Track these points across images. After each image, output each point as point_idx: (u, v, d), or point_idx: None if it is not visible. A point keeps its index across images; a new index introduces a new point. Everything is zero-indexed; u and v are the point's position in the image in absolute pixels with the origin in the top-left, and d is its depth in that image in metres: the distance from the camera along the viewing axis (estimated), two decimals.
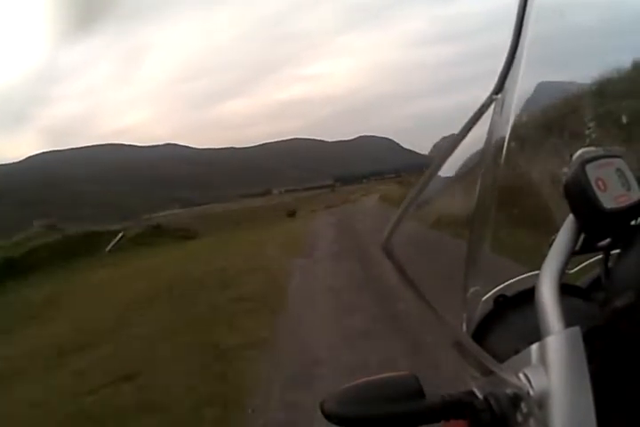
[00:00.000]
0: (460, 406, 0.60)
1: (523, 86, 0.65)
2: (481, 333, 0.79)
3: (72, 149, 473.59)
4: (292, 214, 53.44)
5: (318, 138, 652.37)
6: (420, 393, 0.61)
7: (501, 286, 0.83)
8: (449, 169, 0.66)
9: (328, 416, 0.61)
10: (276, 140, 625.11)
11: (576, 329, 0.55)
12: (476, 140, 0.66)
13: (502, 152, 0.67)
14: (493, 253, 0.77)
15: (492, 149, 0.67)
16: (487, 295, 0.82)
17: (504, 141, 0.67)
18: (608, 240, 0.69)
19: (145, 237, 32.08)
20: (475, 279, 0.75)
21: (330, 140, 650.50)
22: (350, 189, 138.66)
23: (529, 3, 0.63)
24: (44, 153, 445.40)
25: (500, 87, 0.65)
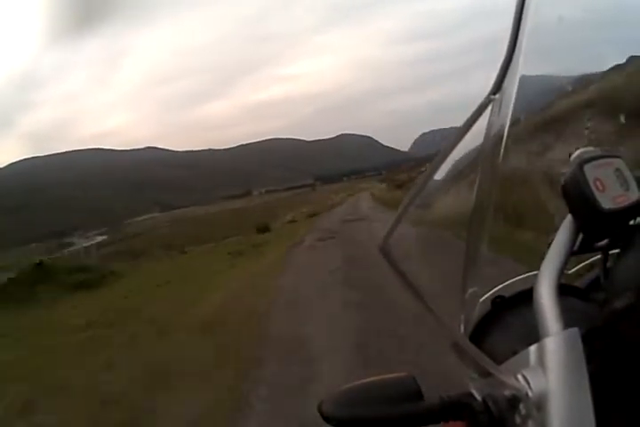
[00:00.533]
0: (459, 407, 0.60)
1: (521, 86, 0.64)
2: (479, 334, 0.79)
3: (54, 154, 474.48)
4: (263, 230, 33.22)
5: (298, 137, 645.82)
6: (418, 395, 0.62)
7: (499, 286, 0.83)
8: (447, 169, 0.66)
9: (326, 418, 0.61)
10: (255, 140, 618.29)
11: (575, 330, 0.55)
12: (473, 140, 0.66)
13: (500, 152, 0.66)
14: (492, 253, 0.76)
15: (489, 150, 0.66)
16: (485, 296, 0.82)
17: (502, 142, 0.66)
18: (606, 240, 0.69)
19: (19, 285, 17.77)
20: (472, 280, 0.74)
21: (309, 139, 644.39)
22: (332, 189, 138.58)
23: (526, 2, 0.62)
24: (26, 159, 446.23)
25: (497, 87, 0.65)
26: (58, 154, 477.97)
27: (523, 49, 0.62)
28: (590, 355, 0.53)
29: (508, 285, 0.83)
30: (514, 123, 0.66)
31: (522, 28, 0.62)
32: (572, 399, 0.51)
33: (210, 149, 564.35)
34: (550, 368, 0.53)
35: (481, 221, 0.69)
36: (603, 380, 0.54)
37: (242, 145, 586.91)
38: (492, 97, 0.65)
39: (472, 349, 0.63)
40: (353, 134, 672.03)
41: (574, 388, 0.51)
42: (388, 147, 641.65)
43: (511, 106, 0.64)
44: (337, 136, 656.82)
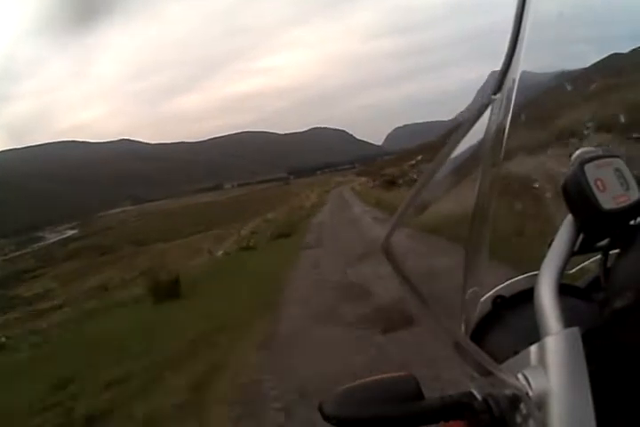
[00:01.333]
0: (459, 407, 0.59)
1: (522, 86, 0.64)
2: (480, 334, 0.79)
3: (29, 146, 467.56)
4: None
5: (271, 131, 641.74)
6: (418, 394, 0.61)
7: (500, 286, 0.83)
8: (448, 169, 0.66)
9: (327, 418, 0.61)
10: (228, 133, 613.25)
11: (575, 330, 0.55)
12: (475, 139, 0.66)
13: (501, 152, 0.66)
14: (492, 253, 0.75)
15: (490, 150, 0.66)
16: (486, 296, 0.82)
17: (502, 141, 0.65)
18: (607, 240, 0.69)
19: None
20: (473, 280, 0.73)
21: (283, 132, 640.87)
22: (306, 182, 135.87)
23: (527, 1, 0.62)
24: (3, 151, 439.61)
25: (498, 87, 0.64)
26: (34, 146, 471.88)
27: (523, 48, 0.62)
28: (590, 354, 0.54)
29: (508, 284, 0.83)
30: (514, 122, 0.66)
31: (522, 28, 0.62)
32: (573, 399, 0.51)
33: (183, 142, 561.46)
34: (551, 368, 0.53)
35: (482, 221, 0.69)
36: (603, 379, 0.55)
37: (215, 138, 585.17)
38: (493, 97, 0.65)
39: (473, 348, 0.62)
40: (326, 128, 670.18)
41: (575, 387, 0.51)
42: (361, 141, 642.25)
43: (512, 105, 0.65)
44: (310, 129, 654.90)
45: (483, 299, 0.81)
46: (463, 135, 0.65)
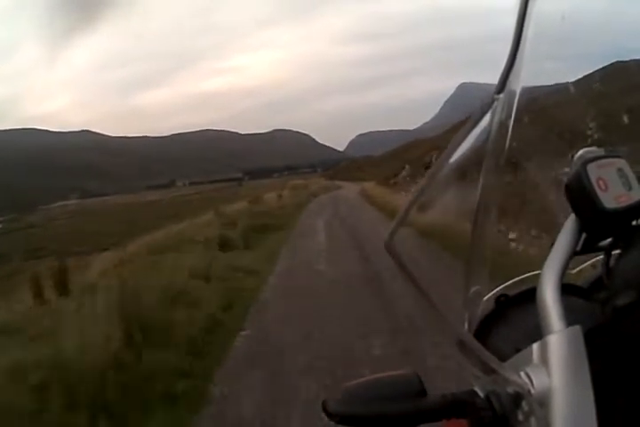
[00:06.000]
0: (462, 404, 0.60)
1: (526, 86, 0.65)
2: (483, 332, 0.78)
3: None
4: None
5: (233, 130, 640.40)
6: (421, 392, 0.62)
7: (503, 285, 0.84)
8: (452, 168, 0.66)
9: (330, 415, 0.61)
10: (190, 130, 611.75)
11: (577, 328, 0.56)
12: (478, 139, 0.66)
13: (504, 152, 0.66)
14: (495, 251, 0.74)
15: (493, 150, 0.66)
16: (489, 295, 0.82)
17: (505, 141, 0.66)
18: (609, 240, 0.69)
19: None
20: (476, 278, 0.73)
21: (244, 132, 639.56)
22: (260, 184, 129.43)
23: (530, 3, 0.62)
24: None
25: (501, 87, 0.64)
26: None
27: (526, 49, 0.63)
28: (592, 353, 0.54)
29: (511, 283, 0.84)
30: (517, 122, 0.66)
31: (525, 29, 0.62)
32: (575, 397, 0.52)
33: (144, 137, 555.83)
34: (553, 366, 0.54)
35: (484, 220, 0.69)
36: (604, 377, 0.55)
37: (176, 134, 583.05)
38: (496, 97, 0.65)
39: (476, 346, 0.62)
40: (289, 130, 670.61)
41: (576, 385, 0.52)
42: (324, 145, 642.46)
43: (515, 105, 0.65)
44: (272, 131, 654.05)
45: (486, 298, 0.82)
46: (466, 135, 0.66)
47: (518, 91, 0.64)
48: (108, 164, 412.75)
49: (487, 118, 0.65)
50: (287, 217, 21.94)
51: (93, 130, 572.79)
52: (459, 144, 0.65)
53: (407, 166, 34.26)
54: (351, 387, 0.64)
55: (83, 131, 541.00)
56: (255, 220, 17.69)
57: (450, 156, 0.65)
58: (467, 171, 0.70)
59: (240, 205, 25.42)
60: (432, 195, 0.70)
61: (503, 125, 0.65)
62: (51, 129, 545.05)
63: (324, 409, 0.62)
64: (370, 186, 38.52)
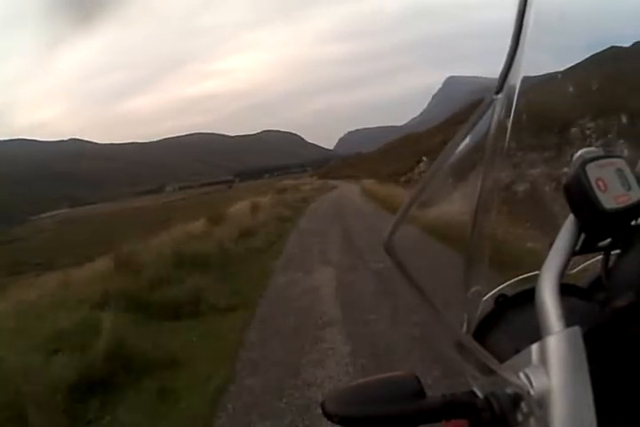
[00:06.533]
0: (461, 405, 0.60)
1: (524, 86, 0.65)
2: (482, 332, 0.78)
3: None
4: None
5: (221, 132, 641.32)
6: (420, 393, 0.62)
7: (502, 285, 0.83)
8: (451, 168, 0.66)
9: (329, 416, 0.61)
10: (177, 134, 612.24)
11: (576, 329, 0.55)
12: (477, 139, 0.65)
13: (503, 152, 0.66)
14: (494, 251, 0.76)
15: (492, 149, 0.66)
16: (488, 295, 0.82)
17: (505, 141, 0.66)
18: (608, 240, 0.69)
19: None
20: (475, 279, 0.73)
21: (233, 134, 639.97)
22: (251, 186, 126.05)
23: (529, 2, 0.62)
24: None
25: (500, 87, 0.64)
26: None
27: (525, 48, 0.62)
28: (592, 354, 0.54)
29: (510, 284, 0.84)
30: (516, 122, 0.66)
31: (524, 28, 0.62)
32: (574, 397, 0.52)
33: (133, 143, 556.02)
34: (552, 367, 0.54)
35: (483, 220, 0.69)
36: (604, 378, 0.55)
37: (165, 139, 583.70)
38: (495, 96, 0.64)
39: (475, 347, 0.62)
40: (277, 131, 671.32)
41: (576, 386, 0.52)
42: (313, 144, 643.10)
43: (514, 105, 0.64)
44: (260, 132, 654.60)
45: (485, 298, 0.81)
46: (465, 135, 0.65)
47: (517, 90, 0.63)
48: (97, 171, 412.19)
49: (486, 118, 0.65)
50: (253, 260, 11.08)
51: (82, 138, 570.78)
52: (458, 144, 0.64)
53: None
54: (350, 388, 0.64)
55: (71, 139, 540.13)
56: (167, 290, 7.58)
57: (449, 155, 0.64)
58: (466, 170, 0.70)
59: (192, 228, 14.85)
60: (431, 194, 0.68)
61: (502, 125, 0.65)
62: (39, 139, 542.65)
63: (323, 410, 0.62)
64: (370, 185, 34.23)
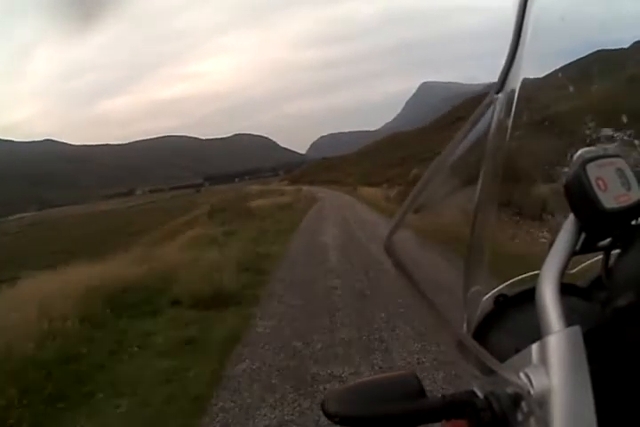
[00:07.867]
0: (461, 405, 0.60)
1: (524, 86, 0.65)
2: (482, 332, 0.78)
3: None
4: None
5: (193, 135, 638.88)
6: (420, 393, 0.62)
7: (502, 285, 0.83)
8: (451, 167, 0.66)
9: (329, 415, 0.61)
10: (150, 137, 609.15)
11: (576, 328, 0.55)
12: (477, 138, 0.66)
13: (503, 151, 0.67)
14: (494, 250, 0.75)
15: (493, 149, 0.66)
16: (488, 295, 0.81)
17: (505, 141, 0.66)
18: (608, 240, 0.69)
19: None
20: (475, 279, 0.74)
21: (205, 137, 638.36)
22: (220, 190, 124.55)
23: (529, 2, 0.62)
24: None
25: (500, 87, 0.64)
26: None
27: (525, 49, 0.62)
28: (592, 353, 0.54)
29: (510, 284, 0.83)
30: (516, 121, 0.66)
31: (524, 28, 0.62)
32: (574, 397, 0.52)
33: (107, 144, 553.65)
34: (552, 366, 0.54)
35: (483, 220, 0.69)
36: (604, 378, 0.55)
37: (137, 141, 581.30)
38: (495, 96, 0.65)
39: (475, 347, 0.63)
40: (249, 134, 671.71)
41: (576, 385, 0.52)
42: (285, 148, 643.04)
43: (514, 105, 0.65)
44: (232, 136, 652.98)
45: (485, 298, 0.81)
46: (466, 135, 0.66)
47: (517, 90, 0.64)
48: (69, 173, 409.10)
49: (487, 118, 0.65)
50: None
51: (56, 139, 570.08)
52: (458, 143, 0.64)
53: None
54: (350, 388, 0.64)
55: (46, 140, 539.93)
56: None
57: (449, 155, 0.64)
58: (466, 170, 0.70)
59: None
60: (431, 195, 0.69)
61: (502, 125, 0.65)
62: (14, 139, 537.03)
63: (324, 410, 0.62)
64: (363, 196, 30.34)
